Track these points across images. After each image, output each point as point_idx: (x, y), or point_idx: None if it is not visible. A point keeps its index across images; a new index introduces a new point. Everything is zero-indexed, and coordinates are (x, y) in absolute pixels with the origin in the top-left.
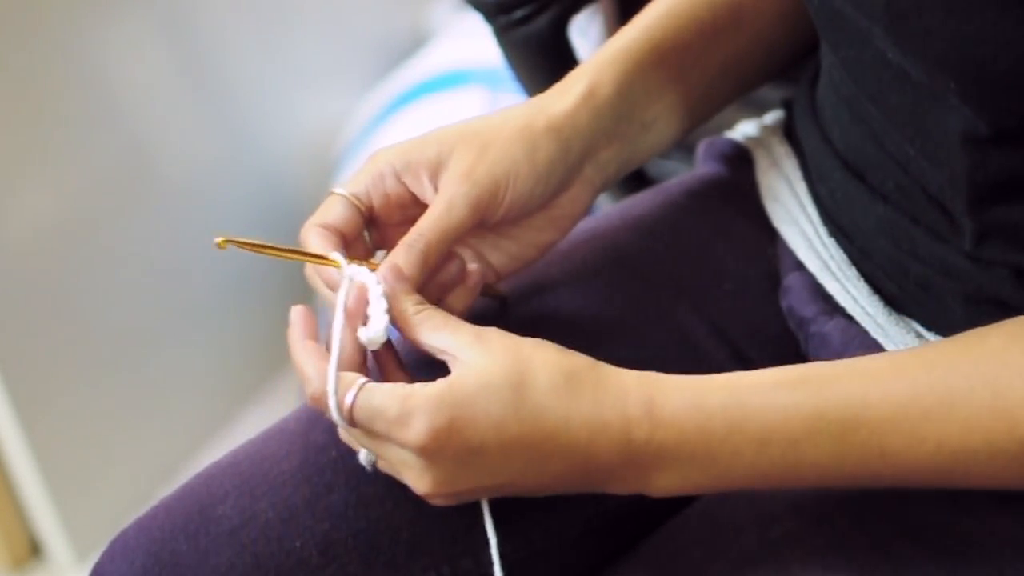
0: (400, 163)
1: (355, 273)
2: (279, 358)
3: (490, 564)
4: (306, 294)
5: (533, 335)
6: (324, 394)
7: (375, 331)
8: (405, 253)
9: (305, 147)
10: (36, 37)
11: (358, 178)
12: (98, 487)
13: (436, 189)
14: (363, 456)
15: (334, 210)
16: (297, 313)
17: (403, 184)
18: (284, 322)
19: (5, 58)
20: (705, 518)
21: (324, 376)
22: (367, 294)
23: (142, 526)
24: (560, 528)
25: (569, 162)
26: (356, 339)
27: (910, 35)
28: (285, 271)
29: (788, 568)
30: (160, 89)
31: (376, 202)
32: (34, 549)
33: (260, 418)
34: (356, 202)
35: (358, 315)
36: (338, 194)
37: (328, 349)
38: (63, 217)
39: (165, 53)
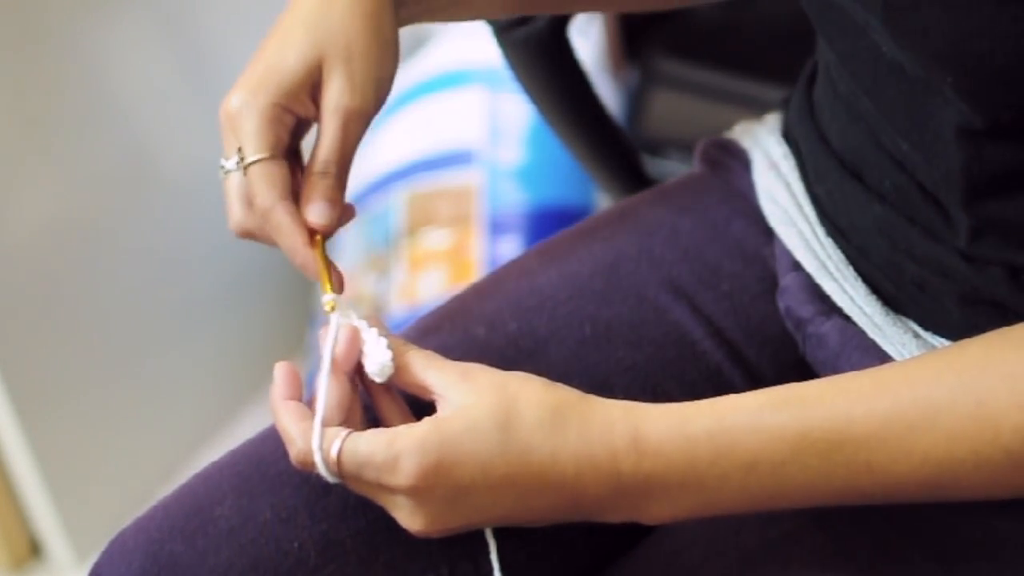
0: (284, 98)
1: (342, 319)
2: (279, 358)
3: (489, 566)
4: (305, 294)
5: (531, 336)
6: (308, 454)
7: (383, 359)
8: (322, 184)
9: (304, 146)
10: (36, 37)
11: (260, 134)
12: (98, 487)
13: (317, 106)
14: None
15: (278, 177)
16: (281, 371)
17: (292, 114)
18: (284, 322)
19: (5, 58)
20: (705, 518)
21: (307, 435)
22: (359, 337)
23: (140, 526)
24: (559, 529)
25: (400, 17)
26: (340, 393)
27: (907, 29)
28: (285, 271)
29: (788, 568)
30: (160, 89)
31: (286, 143)
32: (34, 549)
33: (260, 418)
34: (279, 159)
35: (350, 360)
36: (259, 161)
37: (313, 402)
38: (63, 217)
39: (165, 53)
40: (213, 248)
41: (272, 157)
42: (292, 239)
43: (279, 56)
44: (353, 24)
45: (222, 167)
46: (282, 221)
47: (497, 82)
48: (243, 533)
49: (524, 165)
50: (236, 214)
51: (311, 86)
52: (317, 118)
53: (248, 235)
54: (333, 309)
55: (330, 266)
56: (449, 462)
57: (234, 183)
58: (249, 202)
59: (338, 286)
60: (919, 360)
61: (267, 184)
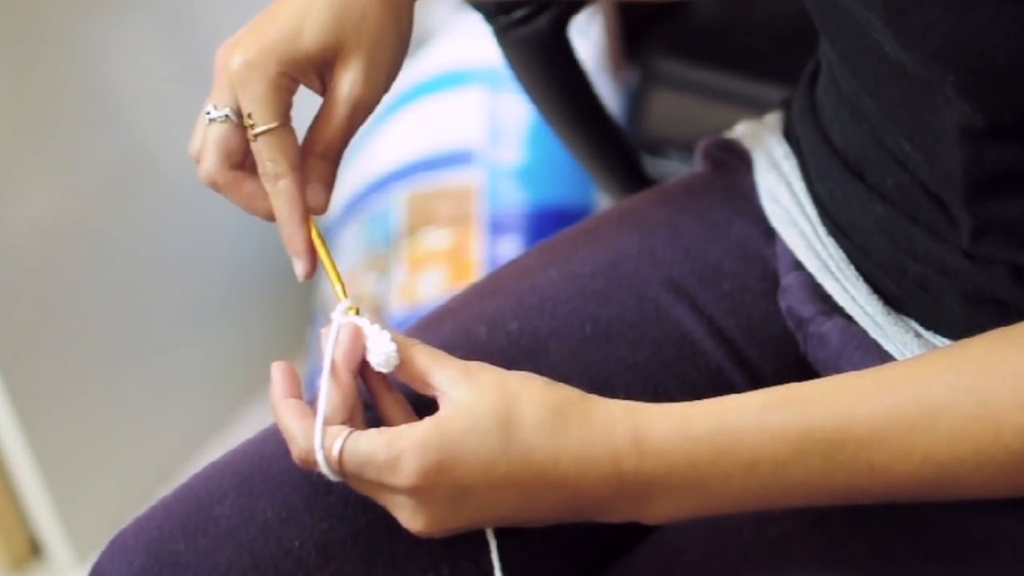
0: (294, 69)
1: (343, 318)
2: (279, 358)
3: (489, 565)
4: (305, 294)
5: (532, 336)
6: (310, 452)
7: (387, 349)
8: (321, 167)
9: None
10: (37, 37)
11: (270, 102)
12: (98, 487)
13: (323, 84)
14: None
15: (290, 146)
16: (278, 369)
17: (297, 83)
18: (284, 322)
19: (5, 58)
20: (705, 518)
21: (309, 434)
22: (361, 334)
23: (141, 526)
24: (559, 528)
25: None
26: (342, 392)
27: (909, 28)
28: (285, 271)
29: (788, 568)
30: (160, 89)
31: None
32: (34, 549)
33: (260, 418)
34: (289, 127)
35: (353, 358)
36: (268, 130)
37: (315, 401)
38: (63, 217)
39: (165, 53)
40: (213, 248)
41: (282, 125)
42: (291, 209)
43: (295, 27)
44: (378, 14)
45: (207, 113)
46: (289, 192)
47: (497, 82)
48: (243, 532)
49: (524, 165)
50: (210, 163)
51: (322, 64)
52: (321, 92)
53: (214, 186)
54: (358, 312)
55: (328, 251)
56: (450, 462)
57: (215, 133)
58: (227, 155)
59: (311, 269)
60: (920, 359)
61: (281, 152)
